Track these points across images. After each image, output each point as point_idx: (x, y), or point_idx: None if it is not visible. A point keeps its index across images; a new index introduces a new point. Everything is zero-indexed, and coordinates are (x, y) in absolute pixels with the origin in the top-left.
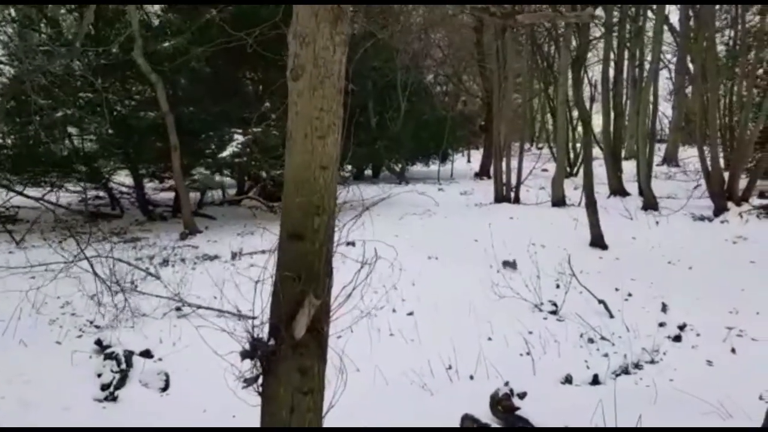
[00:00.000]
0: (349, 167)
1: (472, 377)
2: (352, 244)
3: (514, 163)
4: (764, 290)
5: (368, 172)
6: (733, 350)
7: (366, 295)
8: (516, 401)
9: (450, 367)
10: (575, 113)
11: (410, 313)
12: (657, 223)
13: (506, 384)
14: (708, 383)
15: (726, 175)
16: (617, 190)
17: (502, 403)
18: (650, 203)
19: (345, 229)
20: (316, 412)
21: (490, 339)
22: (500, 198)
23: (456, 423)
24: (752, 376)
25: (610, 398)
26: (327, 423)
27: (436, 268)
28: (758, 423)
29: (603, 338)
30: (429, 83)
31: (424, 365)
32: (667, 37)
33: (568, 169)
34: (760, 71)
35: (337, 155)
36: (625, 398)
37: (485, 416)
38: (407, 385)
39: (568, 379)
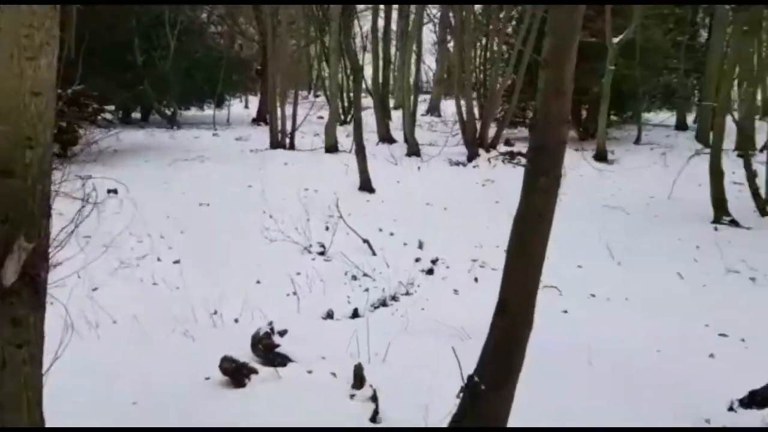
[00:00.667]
0: (112, 109)
1: (237, 320)
2: (114, 191)
3: (291, 109)
4: (504, 226)
5: (137, 115)
6: (476, 279)
7: (127, 244)
8: (276, 339)
9: (215, 312)
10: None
11: (176, 261)
12: (419, 168)
13: (270, 324)
14: (454, 310)
15: (479, 124)
16: (385, 137)
17: (263, 342)
18: (413, 150)
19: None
20: (33, 365)
21: (258, 282)
22: (276, 144)
23: (215, 365)
24: (490, 301)
25: (367, 328)
26: (55, 374)
27: (208, 215)
28: None
29: (365, 275)
30: (202, 22)
31: (189, 312)
32: None
33: (343, 117)
34: (509, 29)
35: (53, 80)
36: (381, 327)
37: (246, 356)
38: (168, 333)
39: (329, 315)
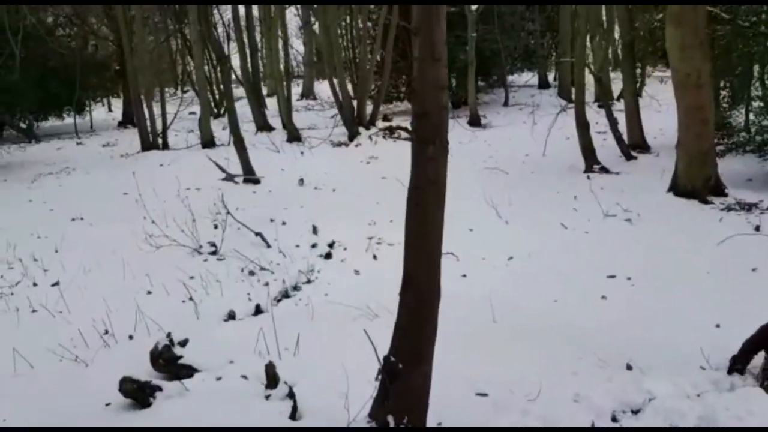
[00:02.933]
0: None
1: (131, 337)
2: None
3: (159, 108)
4: (395, 200)
5: None
6: (374, 257)
7: None
8: (177, 350)
9: (106, 332)
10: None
11: (55, 284)
12: (302, 153)
13: (168, 335)
14: (357, 290)
15: (355, 103)
16: (263, 125)
17: (163, 356)
18: (294, 135)
19: None
20: None
21: (149, 293)
22: (147, 146)
23: (115, 389)
24: (391, 276)
25: (272, 324)
26: None
27: (83, 229)
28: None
29: (263, 269)
30: (49, 25)
31: (77, 337)
32: None
33: (216, 110)
34: (372, 6)
35: None
36: (287, 320)
37: (147, 374)
38: (56, 363)
39: (231, 315)
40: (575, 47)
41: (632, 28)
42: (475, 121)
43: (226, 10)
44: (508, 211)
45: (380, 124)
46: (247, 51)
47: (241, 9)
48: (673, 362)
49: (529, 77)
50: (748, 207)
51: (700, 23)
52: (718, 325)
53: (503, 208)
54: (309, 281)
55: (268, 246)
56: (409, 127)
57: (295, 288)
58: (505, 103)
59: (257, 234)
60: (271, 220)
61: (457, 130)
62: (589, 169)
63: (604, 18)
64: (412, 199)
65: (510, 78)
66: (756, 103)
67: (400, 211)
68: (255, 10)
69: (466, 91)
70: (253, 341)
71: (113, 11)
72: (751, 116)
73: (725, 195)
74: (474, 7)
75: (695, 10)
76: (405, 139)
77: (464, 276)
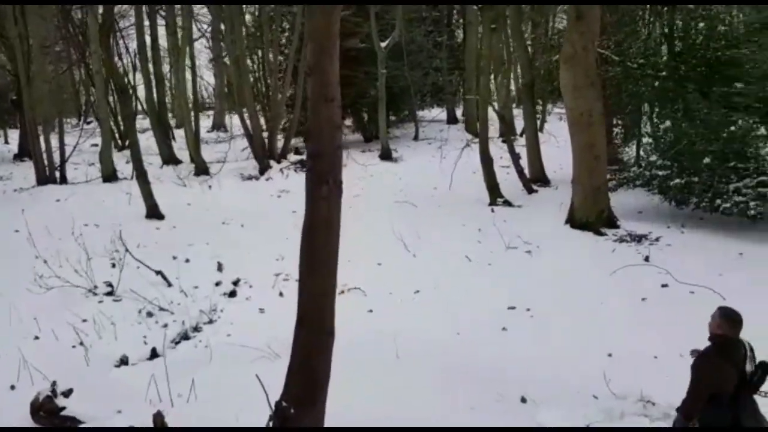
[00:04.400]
0: None
1: (13, 387)
2: None
3: (58, 140)
4: (299, 236)
5: None
6: (281, 294)
7: None
8: (61, 401)
9: None
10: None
11: None
12: (210, 187)
13: (52, 384)
14: (261, 329)
15: (266, 136)
16: (169, 158)
17: (44, 407)
18: (201, 169)
19: None
20: None
21: (37, 338)
22: (44, 180)
23: None
24: (292, 312)
25: (167, 369)
26: None
27: None
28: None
29: (162, 309)
30: None
31: None
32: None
33: (120, 142)
34: (283, 40)
35: None
36: (183, 364)
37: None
38: None
39: (123, 361)
40: (479, 86)
41: (532, 68)
42: (386, 155)
43: (131, 40)
44: (416, 245)
45: (292, 157)
46: (153, 82)
47: (147, 38)
48: (567, 392)
49: (438, 112)
50: (639, 238)
51: (590, 65)
52: (610, 354)
53: (411, 241)
54: (211, 321)
55: (170, 285)
56: None
57: (196, 329)
58: (416, 137)
59: (158, 273)
60: (174, 258)
61: (369, 164)
62: (493, 203)
63: (506, 58)
64: (306, 239)
65: (420, 113)
66: (645, 140)
67: (296, 243)
68: (162, 40)
69: (377, 125)
70: (145, 388)
71: (9, 40)
72: (642, 152)
73: (618, 227)
74: (383, 44)
75: (586, 53)
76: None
77: (371, 311)
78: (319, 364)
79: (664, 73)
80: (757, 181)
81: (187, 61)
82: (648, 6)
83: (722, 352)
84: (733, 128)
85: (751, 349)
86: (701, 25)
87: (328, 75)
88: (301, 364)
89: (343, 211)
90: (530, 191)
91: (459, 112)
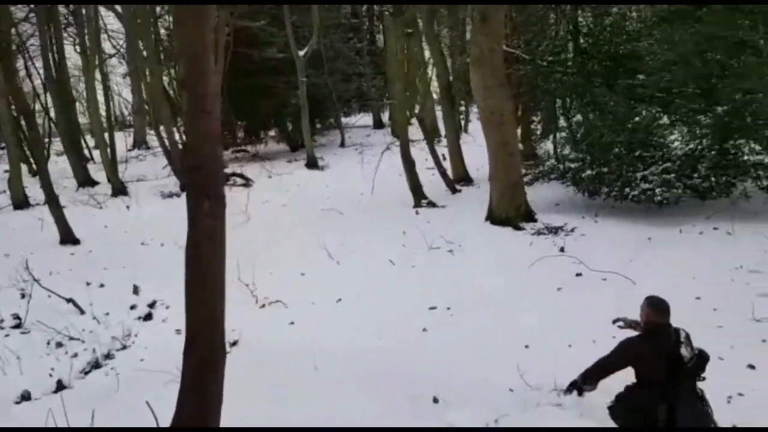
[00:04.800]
0: None
1: None
2: None
3: None
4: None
5: None
6: None
7: None
8: None
9: None
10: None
11: None
12: (128, 207)
13: None
14: (177, 351)
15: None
16: (85, 180)
17: None
18: (119, 189)
19: None
20: None
21: None
22: None
23: None
24: None
25: (70, 402)
26: None
27: None
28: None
29: (72, 338)
30: None
31: None
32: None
33: (35, 167)
34: None
35: None
36: (90, 394)
37: None
38: None
39: (25, 396)
40: (396, 90)
41: (446, 70)
42: (312, 164)
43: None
44: (340, 252)
45: None
46: (58, 102)
47: (54, 56)
48: (484, 388)
49: (360, 117)
50: (555, 230)
51: (498, 65)
52: (527, 346)
53: (336, 248)
54: (124, 347)
55: (82, 312)
56: (244, 174)
57: (108, 356)
58: (342, 144)
59: (68, 300)
60: (88, 283)
61: (296, 173)
62: (417, 204)
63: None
64: (190, 257)
65: (346, 119)
66: (560, 134)
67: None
68: (70, 58)
69: (303, 134)
70: (43, 424)
71: None
72: (558, 146)
73: (535, 220)
74: (301, 52)
75: (493, 54)
76: (241, 185)
77: (292, 323)
78: (211, 384)
79: (572, 69)
80: (662, 168)
81: (100, 78)
82: (554, 6)
83: (649, 339)
84: (637, 119)
85: (687, 337)
86: (605, 21)
87: (204, 87)
88: (192, 388)
89: (269, 222)
90: (454, 191)
91: (385, 117)
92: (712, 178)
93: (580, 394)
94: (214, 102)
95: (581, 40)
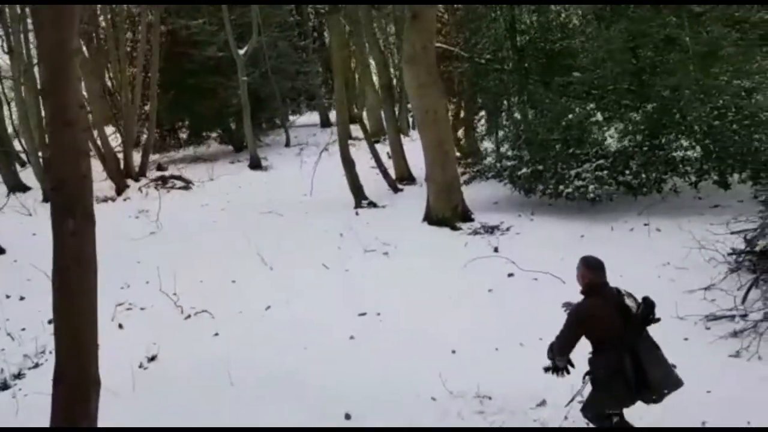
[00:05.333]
0: None
1: None
2: None
3: None
4: (153, 260)
5: None
6: (120, 326)
7: None
8: None
9: None
10: None
11: None
12: None
13: None
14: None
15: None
16: (15, 186)
17: None
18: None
19: None
20: None
21: None
22: None
23: None
24: (136, 345)
25: None
26: None
27: None
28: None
29: None
30: None
31: None
32: None
33: None
34: (135, 53)
35: None
36: None
37: None
38: None
39: None
40: (337, 88)
41: (386, 68)
42: (255, 164)
43: None
44: (274, 257)
45: (153, 174)
46: None
47: None
48: (406, 397)
49: (312, 116)
50: (491, 229)
51: (431, 63)
52: (454, 351)
53: (271, 253)
54: (36, 365)
55: None
56: (184, 175)
57: (18, 376)
58: (287, 144)
59: None
60: (7, 297)
61: (238, 174)
62: (358, 205)
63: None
64: (56, 281)
65: (292, 118)
66: (501, 133)
67: (148, 266)
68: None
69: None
70: None
71: None
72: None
73: (472, 220)
74: (242, 51)
75: (425, 52)
76: (181, 188)
77: (216, 335)
78: (80, 420)
79: (509, 67)
80: (595, 165)
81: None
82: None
83: (596, 297)
84: (571, 116)
85: (627, 292)
86: (540, 18)
87: (66, 96)
88: (60, 424)
89: (204, 227)
90: (396, 190)
91: (332, 115)
92: (643, 175)
93: (566, 372)
94: (78, 112)
95: (518, 38)
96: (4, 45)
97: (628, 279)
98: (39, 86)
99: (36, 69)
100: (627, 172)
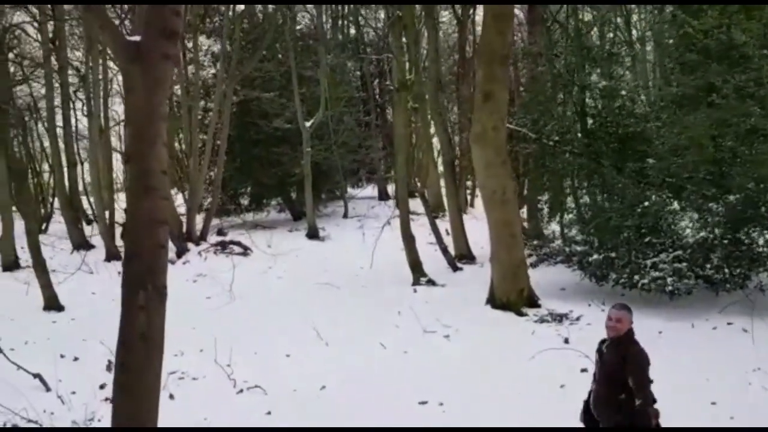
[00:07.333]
0: None
1: None
2: None
3: None
4: (209, 325)
5: None
6: (171, 396)
7: None
8: None
9: None
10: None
11: None
12: (119, 273)
13: None
14: None
15: (185, 218)
16: (80, 244)
17: None
18: (113, 254)
19: None
20: None
21: None
22: None
23: None
24: (186, 417)
25: None
26: None
27: None
28: None
29: (30, 421)
30: None
31: None
32: None
33: (43, 227)
34: (206, 121)
35: None
36: None
37: None
38: None
39: None
40: (398, 163)
41: (450, 145)
42: (313, 234)
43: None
44: (330, 332)
45: (213, 238)
46: (65, 164)
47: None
48: None
49: (371, 189)
50: (560, 318)
51: (501, 144)
52: None
53: (326, 328)
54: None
55: (48, 389)
56: (243, 241)
57: None
58: (345, 215)
59: (35, 376)
60: (62, 356)
61: (296, 243)
62: (416, 282)
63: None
64: (120, 357)
65: (351, 191)
66: (568, 216)
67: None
68: (81, 121)
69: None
70: None
71: None
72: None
73: (539, 306)
74: (308, 123)
75: (496, 132)
76: (239, 254)
77: (269, 413)
78: None
79: (579, 150)
80: (672, 256)
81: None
82: (561, 86)
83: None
84: (647, 203)
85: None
86: (610, 103)
87: (150, 161)
88: None
89: (261, 296)
90: (455, 269)
91: (391, 189)
92: (726, 269)
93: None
94: (162, 179)
95: (589, 121)
96: (84, 107)
97: (716, 385)
98: (122, 149)
99: (113, 131)
100: (708, 265)
